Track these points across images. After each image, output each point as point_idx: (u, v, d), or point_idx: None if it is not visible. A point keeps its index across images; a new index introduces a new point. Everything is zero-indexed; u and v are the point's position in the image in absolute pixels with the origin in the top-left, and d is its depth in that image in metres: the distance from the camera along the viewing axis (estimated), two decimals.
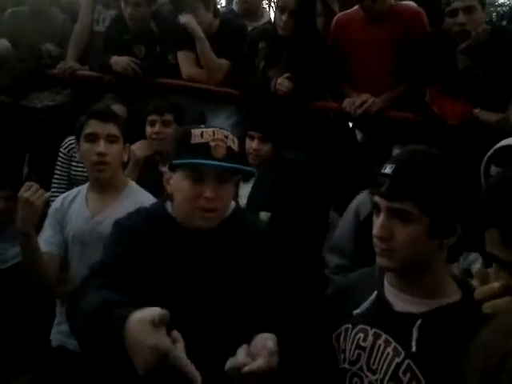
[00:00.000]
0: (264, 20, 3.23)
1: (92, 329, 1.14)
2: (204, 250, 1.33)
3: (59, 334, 1.94)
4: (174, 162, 1.32)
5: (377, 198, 1.15)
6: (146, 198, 1.92)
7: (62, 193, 2.19)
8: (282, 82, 2.61)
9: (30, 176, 3.13)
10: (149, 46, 2.98)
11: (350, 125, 2.92)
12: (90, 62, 3.08)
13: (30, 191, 1.71)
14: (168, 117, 2.43)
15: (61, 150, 2.71)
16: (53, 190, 2.62)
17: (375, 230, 1.14)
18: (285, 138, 2.54)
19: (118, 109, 2.72)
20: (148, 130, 2.50)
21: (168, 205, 1.39)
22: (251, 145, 2.47)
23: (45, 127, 3.01)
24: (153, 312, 1.05)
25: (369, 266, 1.54)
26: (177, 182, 1.33)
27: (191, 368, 1.04)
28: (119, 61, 2.88)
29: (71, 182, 2.59)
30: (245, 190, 2.48)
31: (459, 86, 2.49)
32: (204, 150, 1.28)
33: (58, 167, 2.70)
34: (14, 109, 3.07)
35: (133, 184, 2.00)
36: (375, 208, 1.16)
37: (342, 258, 2.21)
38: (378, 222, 1.14)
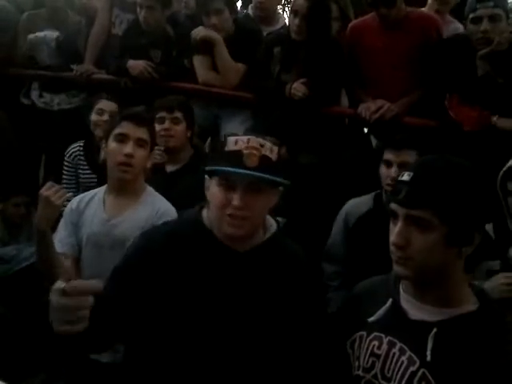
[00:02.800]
0: (279, 25, 3.23)
1: None
2: (241, 268, 1.31)
3: None
4: (207, 168, 1.32)
5: (394, 206, 1.13)
6: (164, 205, 1.91)
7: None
8: (298, 87, 2.61)
9: (47, 179, 3.16)
10: (165, 50, 3.00)
11: (365, 130, 2.91)
12: (106, 65, 3.11)
13: (51, 190, 1.72)
14: (177, 114, 2.40)
15: (65, 157, 2.75)
16: None
17: (392, 238, 1.13)
18: (299, 142, 2.53)
19: (107, 104, 2.71)
20: (157, 127, 2.48)
21: (204, 213, 1.38)
22: None
23: (61, 130, 3.04)
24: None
25: (360, 271, 1.54)
26: (211, 189, 1.32)
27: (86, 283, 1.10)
28: (136, 65, 2.91)
29: (83, 189, 2.60)
30: None
31: (477, 92, 2.48)
32: (236, 157, 1.25)
33: (64, 175, 2.75)
34: (31, 112, 3.12)
35: (150, 189, 1.99)
36: (392, 215, 1.15)
37: (335, 265, 2.24)
38: (395, 229, 1.13)
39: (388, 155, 2.07)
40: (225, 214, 1.27)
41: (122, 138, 1.87)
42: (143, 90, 2.92)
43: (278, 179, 1.29)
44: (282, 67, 2.72)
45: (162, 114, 2.42)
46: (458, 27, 2.86)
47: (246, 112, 2.93)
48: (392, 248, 1.14)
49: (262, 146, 1.27)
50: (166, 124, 2.40)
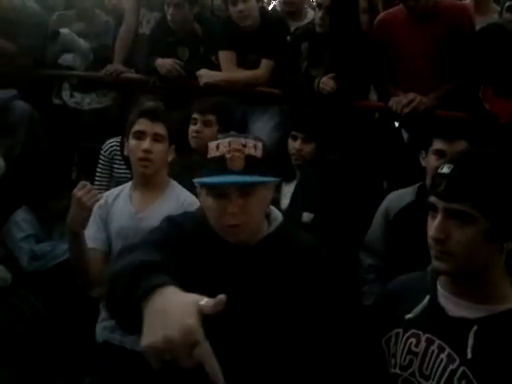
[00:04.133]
0: (307, 20, 3.20)
1: (119, 289, 1.03)
2: (246, 265, 1.28)
3: (104, 329, 1.98)
4: (195, 181, 1.28)
5: (433, 199, 1.11)
6: (189, 198, 1.95)
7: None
8: (326, 82, 2.58)
9: (79, 178, 3.22)
10: (192, 47, 3.01)
11: (396, 125, 2.86)
12: (134, 64, 3.14)
13: (83, 191, 1.74)
14: (209, 117, 2.42)
15: (101, 152, 2.77)
16: None
17: (431, 232, 1.10)
18: (328, 138, 2.50)
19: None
20: (190, 127, 2.51)
21: None
22: (294, 145, 2.44)
23: (92, 129, 3.09)
24: (202, 298, 0.91)
25: (400, 265, 1.50)
26: (202, 198, 1.29)
27: (217, 368, 0.89)
28: (164, 63, 2.92)
29: (115, 183, 2.63)
30: (288, 189, 2.46)
31: None
32: (220, 163, 1.21)
33: (99, 169, 2.77)
34: (63, 112, 3.17)
35: (175, 183, 2.03)
36: (431, 209, 1.12)
37: (374, 258, 2.22)
38: (434, 223, 1.10)
39: (440, 145, 2.01)
40: (224, 225, 1.24)
41: (140, 135, 1.92)
42: (172, 88, 2.94)
43: (267, 179, 1.24)
44: (309, 62, 2.70)
45: (195, 115, 2.46)
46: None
47: (275, 108, 2.92)
48: (431, 242, 1.11)
49: (244, 145, 1.22)
50: (198, 126, 2.44)
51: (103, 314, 2.01)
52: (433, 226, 1.10)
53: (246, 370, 1.22)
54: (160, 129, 1.94)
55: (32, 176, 2.86)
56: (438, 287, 1.18)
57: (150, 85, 2.99)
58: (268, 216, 1.36)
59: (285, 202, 2.42)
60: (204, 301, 0.89)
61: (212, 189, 1.23)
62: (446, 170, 1.10)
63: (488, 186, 1.06)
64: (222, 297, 0.89)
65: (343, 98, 2.60)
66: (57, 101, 3.22)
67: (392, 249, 2.13)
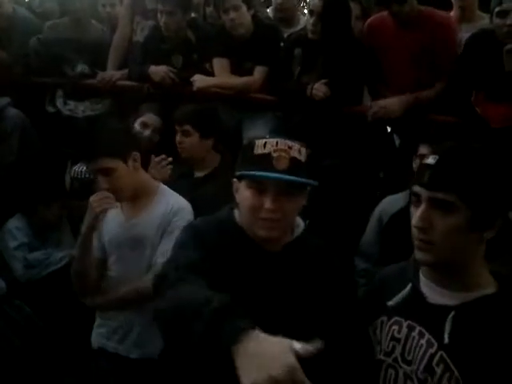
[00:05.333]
0: (300, 26, 3.22)
1: (186, 323, 1.05)
2: (274, 268, 1.32)
3: (99, 336, 1.98)
4: (237, 173, 1.32)
5: (417, 188, 1.13)
6: (177, 201, 1.96)
7: None
8: (319, 87, 2.60)
9: (73, 184, 3.22)
10: (186, 54, 3.02)
11: (389, 130, 2.88)
12: (128, 72, 3.14)
13: (97, 197, 1.78)
14: (186, 127, 2.41)
15: None
16: None
17: (414, 221, 1.13)
18: (321, 144, 2.51)
19: (151, 118, 2.77)
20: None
21: (236, 213, 1.39)
22: None
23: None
24: (294, 341, 0.95)
25: None
26: (241, 192, 1.32)
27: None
28: (157, 70, 2.93)
29: None
30: None
31: (504, 88, 2.42)
32: (266, 161, 1.25)
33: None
34: (57, 119, 3.17)
35: (165, 188, 2.03)
36: (415, 199, 1.15)
37: (367, 263, 2.23)
38: (417, 212, 1.12)
39: (425, 150, 2.03)
40: (257, 218, 1.27)
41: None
42: (166, 95, 2.94)
43: (308, 181, 1.28)
44: (302, 68, 2.72)
45: (176, 125, 2.46)
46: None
47: (268, 114, 2.93)
48: (414, 231, 1.13)
49: (290, 147, 1.26)
50: (178, 136, 2.44)
51: (98, 320, 2.01)
52: (416, 215, 1.12)
53: None
54: (109, 163, 1.83)
55: (25, 183, 2.85)
56: (421, 275, 1.21)
57: (143, 92, 3.00)
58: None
59: None
60: (300, 345, 0.94)
61: (254, 183, 1.27)
62: (431, 160, 1.12)
63: (471, 177, 1.08)
64: (319, 344, 0.94)
65: (336, 104, 2.61)
66: (50, 108, 3.21)
67: (385, 253, 2.14)
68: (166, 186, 2.04)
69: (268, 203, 1.25)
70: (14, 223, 2.79)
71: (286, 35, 3.03)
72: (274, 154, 1.25)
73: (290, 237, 1.37)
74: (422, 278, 1.21)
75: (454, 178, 1.08)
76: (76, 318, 2.33)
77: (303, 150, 1.29)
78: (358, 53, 2.67)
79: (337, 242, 2.26)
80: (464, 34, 2.70)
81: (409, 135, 2.66)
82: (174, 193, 2.02)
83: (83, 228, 1.84)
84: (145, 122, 2.74)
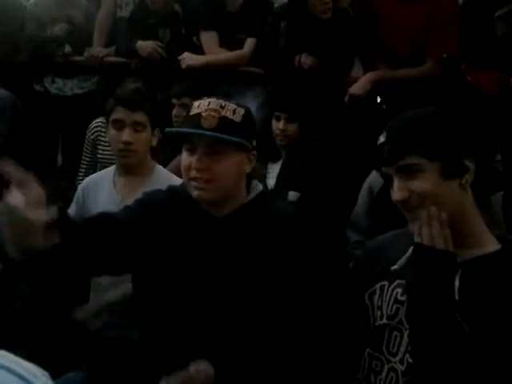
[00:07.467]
0: None
1: None
2: (220, 234, 1.31)
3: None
4: (166, 130, 1.34)
5: (384, 169, 1.14)
6: (173, 181, 1.91)
7: None
8: (306, 57, 2.57)
9: (64, 164, 3.22)
10: (174, 28, 2.97)
11: (379, 100, 2.86)
12: (115, 48, 3.09)
13: None
14: (185, 100, 2.39)
15: (87, 133, 2.73)
16: (79, 175, 2.69)
17: (394, 196, 1.13)
18: (311, 117, 2.50)
19: None
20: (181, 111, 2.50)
21: None
22: (278, 125, 2.44)
23: (76, 115, 3.06)
24: None
25: None
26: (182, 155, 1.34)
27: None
28: (145, 45, 2.89)
29: (100, 167, 2.60)
30: (274, 170, 2.47)
31: (495, 55, 2.40)
32: (195, 119, 1.26)
33: (84, 153, 2.74)
34: (45, 98, 3.14)
35: (160, 168, 2.01)
36: (387, 181, 1.16)
37: (359, 234, 2.24)
38: (393, 188, 1.13)
39: None
40: (189, 178, 1.28)
41: (119, 125, 1.86)
42: (155, 70, 2.91)
43: (235, 139, 1.25)
44: (289, 40, 2.68)
45: (173, 100, 2.46)
46: None
47: (258, 87, 2.90)
48: (399, 206, 1.14)
49: (222, 107, 1.26)
50: (175, 110, 2.43)
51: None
52: (393, 191, 1.14)
53: (222, 338, 1.25)
54: (139, 117, 1.86)
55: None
56: None
57: (132, 68, 2.96)
58: (250, 189, 1.38)
59: (271, 182, 2.43)
60: None
61: (186, 144, 1.29)
62: (382, 138, 1.15)
63: (422, 132, 1.11)
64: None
65: (325, 74, 2.59)
66: (38, 87, 3.17)
67: (376, 225, 2.15)
68: (161, 167, 2.01)
69: (194, 162, 1.25)
70: None
71: (276, 6, 2.97)
72: (204, 114, 1.25)
73: (242, 202, 1.35)
74: None
75: (406, 141, 1.10)
76: (72, 299, 2.35)
77: (240, 110, 1.28)
78: (346, 24, 2.63)
79: (328, 214, 2.29)
80: None
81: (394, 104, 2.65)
82: (171, 174, 1.97)
83: None
84: None
